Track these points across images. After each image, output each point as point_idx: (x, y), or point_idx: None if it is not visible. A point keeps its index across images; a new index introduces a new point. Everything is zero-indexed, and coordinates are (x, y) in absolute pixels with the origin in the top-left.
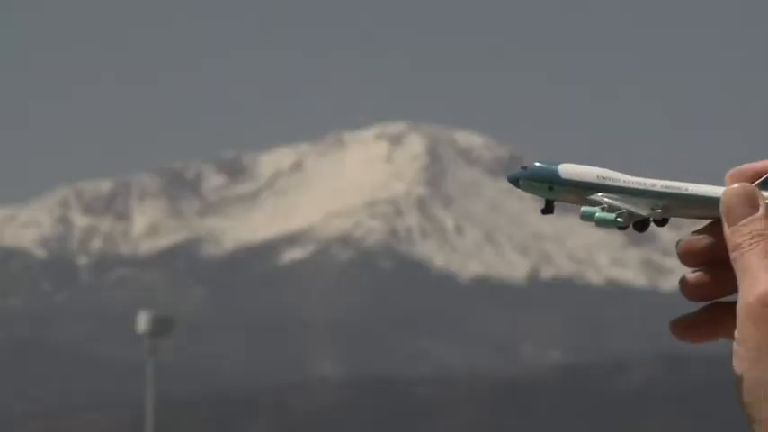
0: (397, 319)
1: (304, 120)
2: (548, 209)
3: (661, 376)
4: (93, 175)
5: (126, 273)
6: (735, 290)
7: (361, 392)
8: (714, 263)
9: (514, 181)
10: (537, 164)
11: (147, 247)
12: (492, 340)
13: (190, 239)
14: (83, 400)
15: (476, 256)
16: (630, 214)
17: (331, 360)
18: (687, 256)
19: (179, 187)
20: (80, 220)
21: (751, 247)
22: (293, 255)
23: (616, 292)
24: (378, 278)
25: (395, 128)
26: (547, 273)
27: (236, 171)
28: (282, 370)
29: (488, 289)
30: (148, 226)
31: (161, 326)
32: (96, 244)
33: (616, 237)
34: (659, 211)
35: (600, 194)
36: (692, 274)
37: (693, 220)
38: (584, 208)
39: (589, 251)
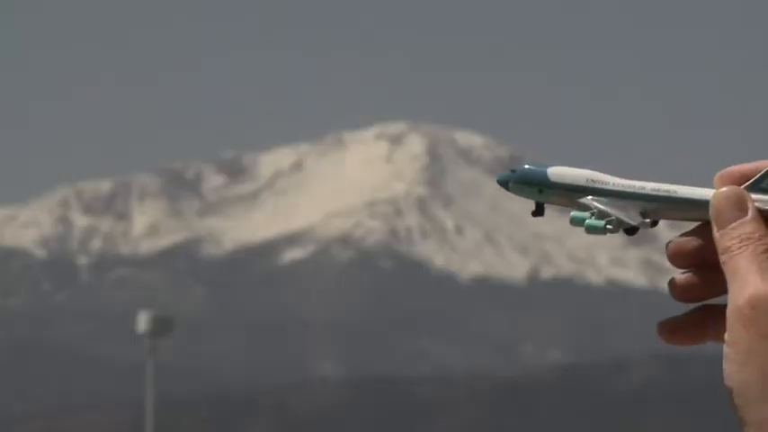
0: (397, 319)
1: (304, 120)
2: (538, 211)
3: (661, 376)
4: (93, 175)
5: (126, 273)
6: (724, 291)
7: (361, 392)
8: (703, 265)
9: (504, 183)
10: (526, 166)
11: (147, 247)
12: (492, 340)
13: (190, 239)
14: (83, 400)
15: (476, 256)
16: (620, 222)
17: (331, 360)
18: (676, 258)
19: (179, 187)
20: (80, 220)
21: (740, 251)
22: (293, 255)
23: (616, 292)
24: (378, 278)
25: (395, 128)
26: (547, 273)
27: (236, 171)
28: (282, 370)
29: (488, 289)
30: (148, 226)
31: (161, 326)
32: (96, 244)
33: (616, 237)
34: (648, 221)
35: (590, 198)
36: (680, 276)
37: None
38: (574, 213)
39: (589, 251)
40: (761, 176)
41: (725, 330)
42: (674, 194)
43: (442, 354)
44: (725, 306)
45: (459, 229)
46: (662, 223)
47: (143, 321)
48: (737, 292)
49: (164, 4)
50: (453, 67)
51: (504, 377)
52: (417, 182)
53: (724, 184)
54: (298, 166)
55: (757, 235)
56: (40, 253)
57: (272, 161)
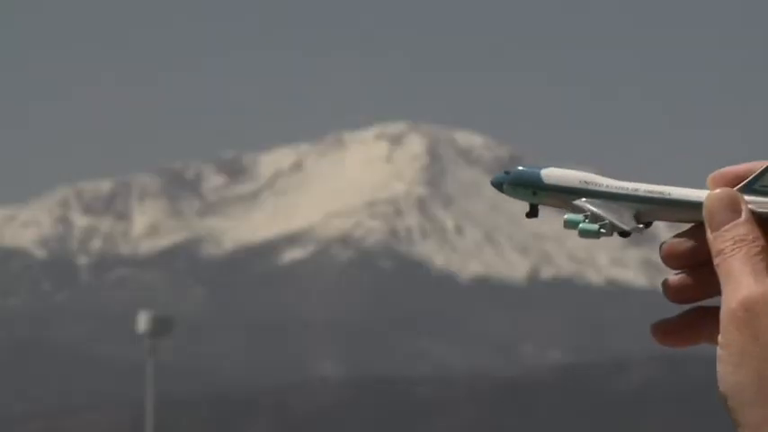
0: (397, 319)
1: (304, 120)
2: (532, 213)
3: (661, 376)
4: (93, 175)
5: (126, 273)
6: (718, 293)
7: (361, 392)
8: (697, 266)
9: (498, 185)
10: (520, 168)
11: (147, 247)
12: (492, 340)
13: (190, 239)
14: (83, 400)
15: (476, 256)
16: (613, 226)
17: (331, 360)
18: (670, 259)
19: (179, 187)
20: (80, 220)
21: (733, 253)
22: (293, 255)
23: (616, 292)
24: (378, 278)
25: (395, 128)
26: (547, 273)
27: (236, 171)
28: (282, 370)
29: (488, 289)
30: (148, 226)
31: (161, 326)
32: (96, 244)
33: (616, 237)
34: (641, 226)
35: (584, 200)
36: (674, 277)
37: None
38: (567, 216)
39: (589, 251)
40: (754, 178)
41: (719, 332)
42: (667, 196)
43: (442, 354)
44: (718, 308)
45: (459, 229)
46: (661, 224)
47: (143, 321)
48: (731, 294)
49: (164, 4)
50: (453, 67)
51: (504, 377)
52: (417, 182)
53: (717, 186)
54: (298, 166)
55: (751, 237)
56: (40, 253)
57: (272, 161)
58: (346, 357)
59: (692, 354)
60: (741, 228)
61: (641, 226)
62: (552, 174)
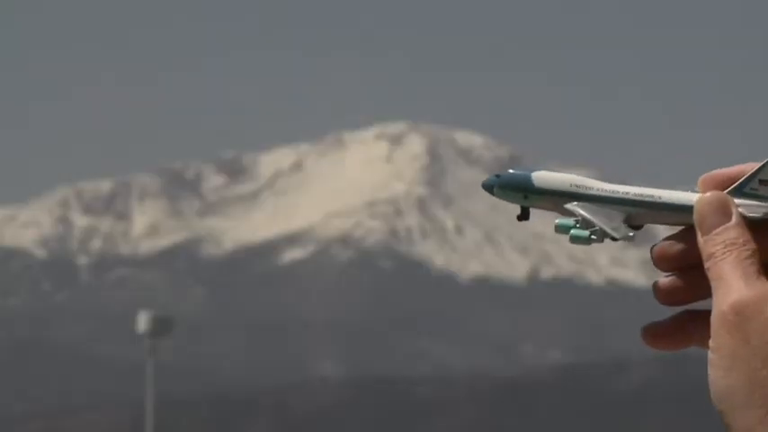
0: (397, 319)
1: (304, 120)
2: (523, 215)
3: (661, 376)
4: (93, 175)
5: (126, 273)
6: (708, 295)
7: (361, 392)
8: (688, 268)
9: (489, 188)
10: (511, 171)
11: (147, 247)
12: (492, 340)
13: (190, 239)
14: (83, 400)
15: (476, 256)
16: (604, 233)
17: (331, 360)
18: (661, 261)
19: (179, 187)
20: (80, 220)
21: (724, 256)
22: (293, 255)
23: (616, 292)
24: (378, 278)
25: (395, 128)
26: (547, 273)
27: (236, 171)
28: (282, 370)
29: (488, 289)
30: (148, 226)
31: (161, 326)
32: (96, 244)
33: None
34: (632, 234)
35: (575, 203)
36: (664, 279)
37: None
38: (558, 220)
39: (589, 251)
40: (744, 180)
41: (709, 336)
42: (657, 199)
43: (442, 354)
44: (709, 311)
45: (459, 229)
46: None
47: (143, 321)
48: (722, 297)
49: (164, 4)
50: (453, 67)
51: (504, 377)
52: (417, 182)
53: (707, 188)
54: (298, 166)
55: (741, 240)
56: (40, 253)
57: (272, 161)
58: (346, 357)
59: (692, 354)
60: (731, 231)
61: (631, 234)
62: (543, 177)
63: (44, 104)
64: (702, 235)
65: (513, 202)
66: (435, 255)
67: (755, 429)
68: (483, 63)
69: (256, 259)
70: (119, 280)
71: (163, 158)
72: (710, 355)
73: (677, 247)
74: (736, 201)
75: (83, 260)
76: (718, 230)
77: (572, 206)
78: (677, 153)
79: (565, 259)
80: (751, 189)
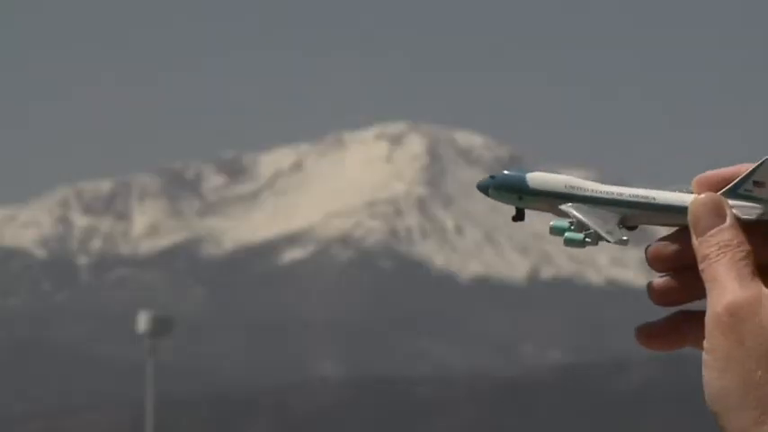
0: (397, 319)
1: (304, 120)
2: (518, 216)
3: (661, 376)
4: (93, 175)
5: (126, 273)
6: (702, 295)
7: (361, 392)
8: (682, 268)
9: (484, 189)
10: (505, 172)
11: (147, 247)
12: (492, 340)
13: (190, 239)
14: (83, 400)
15: (476, 256)
16: (599, 236)
17: (331, 360)
18: (656, 262)
19: (179, 187)
20: (80, 220)
21: (718, 258)
22: (293, 255)
23: (616, 292)
24: (378, 278)
25: (395, 128)
26: (547, 273)
27: (236, 171)
28: (282, 370)
29: (488, 289)
30: (148, 226)
31: (161, 326)
32: (96, 244)
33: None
34: (626, 239)
35: (569, 205)
36: (659, 279)
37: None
38: (553, 222)
39: (589, 251)
40: (738, 182)
41: (703, 337)
42: (651, 201)
43: (442, 354)
44: (704, 312)
45: (459, 229)
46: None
47: (143, 321)
48: (716, 299)
49: (164, 4)
50: (453, 67)
51: (504, 377)
52: (417, 182)
53: (702, 189)
54: (298, 166)
55: (735, 242)
56: (40, 253)
57: (272, 161)
58: (346, 357)
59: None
60: (726, 233)
61: (625, 238)
62: (537, 178)
63: (44, 104)
64: (697, 237)
65: (507, 203)
66: (435, 255)
67: (750, 431)
68: (483, 63)
69: (256, 259)
70: (119, 280)
71: (163, 158)
72: (705, 356)
73: (672, 247)
74: (731, 202)
75: (83, 260)
76: (712, 232)
77: (566, 207)
78: (677, 153)
79: (565, 259)
80: (745, 190)
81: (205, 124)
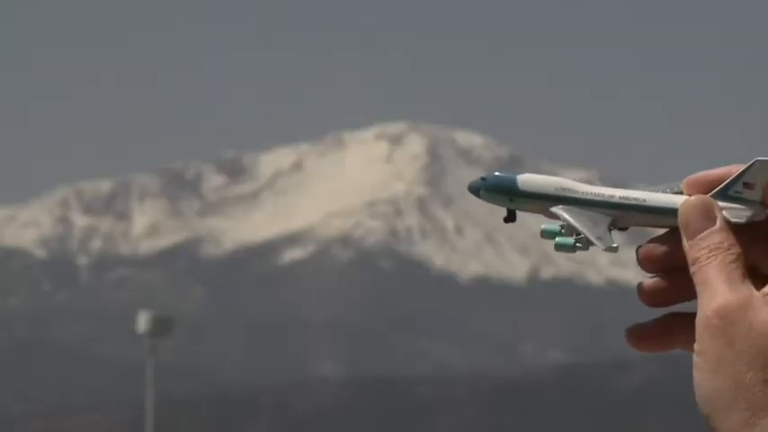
0: (397, 319)
1: (304, 120)
2: (509, 217)
3: (661, 376)
4: (93, 175)
5: (126, 273)
6: (692, 297)
7: (361, 392)
8: (673, 270)
9: (475, 191)
10: (496, 174)
11: (147, 247)
12: (492, 340)
13: (190, 239)
14: (83, 400)
15: (476, 256)
16: (589, 241)
17: (331, 360)
18: (647, 263)
19: (179, 187)
20: (80, 220)
21: (709, 261)
22: (293, 255)
23: (616, 292)
24: (378, 278)
25: (395, 128)
26: (547, 273)
27: (236, 171)
28: (282, 370)
29: (488, 289)
30: (148, 226)
31: (161, 326)
32: (96, 244)
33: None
34: (615, 245)
35: (560, 207)
36: (649, 280)
37: None
38: (544, 226)
39: (589, 251)
40: (728, 183)
41: (694, 339)
42: (642, 203)
43: (442, 354)
44: (694, 314)
45: (459, 229)
46: None
47: (143, 321)
48: (706, 302)
49: (164, 4)
50: (453, 67)
51: (504, 377)
52: (417, 182)
53: (692, 190)
54: (298, 166)
55: (726, 245)
56: (40, 253)
57: (272, 161)
58: (346, 357)
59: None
60: (716, 236)
61: (615, 245)
62: (528, 180)
63: (44, 104)
64: (687, 239)
65: (499, 204)
66: (435, 255)
67: None
68: (483, 63)
69: (256, 259)
70: (119, 280)
71: (163, 158)
72: (696, 358)
73: (662, 248)
74: (720, 204)
75: (83, 260)
76: (702, 235)
77: (557, 209)
78: (677, 153)
79: (565, 259)
80: (735, 192)
81: (205, 124)
